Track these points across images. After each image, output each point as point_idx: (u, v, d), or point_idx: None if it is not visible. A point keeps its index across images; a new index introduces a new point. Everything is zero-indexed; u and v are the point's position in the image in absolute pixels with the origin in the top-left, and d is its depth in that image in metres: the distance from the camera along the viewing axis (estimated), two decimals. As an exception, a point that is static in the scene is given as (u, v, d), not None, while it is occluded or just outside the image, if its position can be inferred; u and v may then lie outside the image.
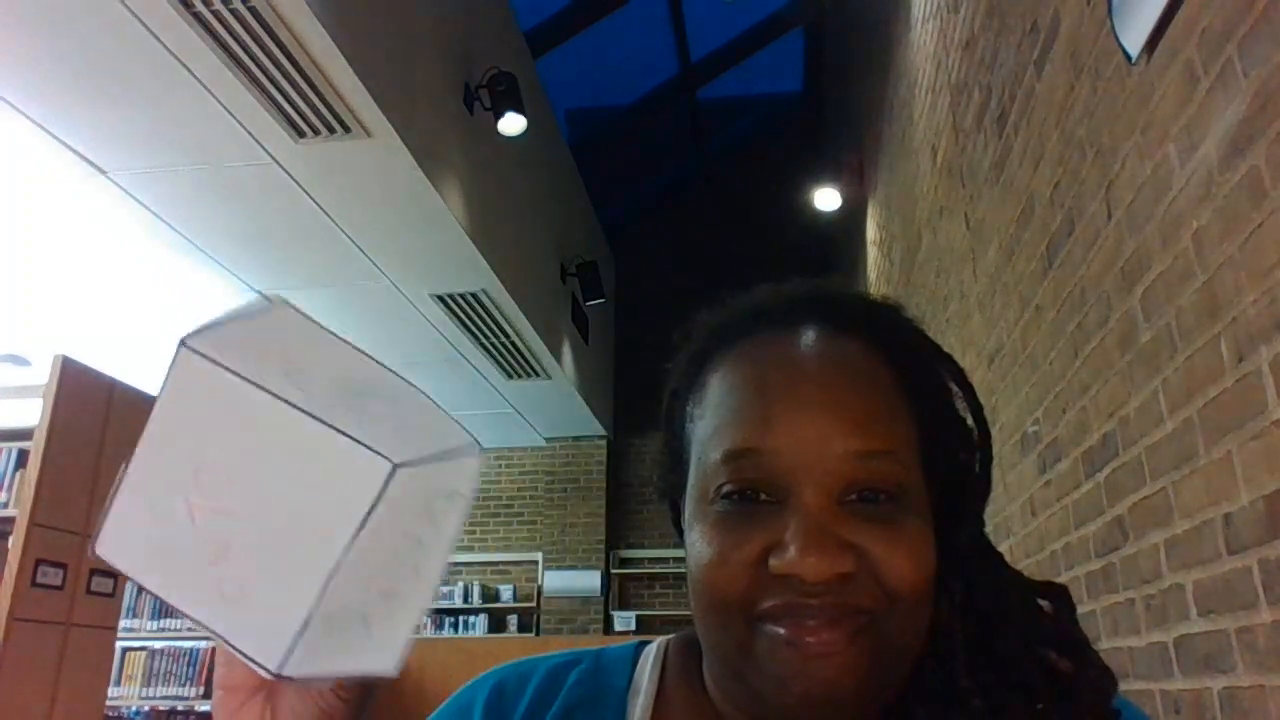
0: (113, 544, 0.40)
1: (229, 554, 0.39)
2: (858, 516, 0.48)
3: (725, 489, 0.50)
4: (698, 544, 0.50)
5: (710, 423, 0.53)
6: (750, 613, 0.48)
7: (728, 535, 0.49)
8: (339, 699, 0.46)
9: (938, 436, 0.53)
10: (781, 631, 0.47)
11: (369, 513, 0.38)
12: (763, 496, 0.49)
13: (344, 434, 0.38)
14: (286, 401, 0.38)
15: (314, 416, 0.38)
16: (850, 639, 0.47)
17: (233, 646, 0.39)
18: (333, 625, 0.40)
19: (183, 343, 0.39)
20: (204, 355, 0.39)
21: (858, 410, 0.50)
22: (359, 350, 0.42)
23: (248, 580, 0.39)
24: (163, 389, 0.40)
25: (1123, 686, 0.51)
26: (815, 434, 0.49)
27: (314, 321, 0.42)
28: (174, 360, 0.39)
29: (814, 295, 0.56)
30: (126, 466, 0.40)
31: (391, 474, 0.38)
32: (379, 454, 0.38)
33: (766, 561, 0.48)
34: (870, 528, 0.48)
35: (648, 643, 0.62)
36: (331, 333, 0.42)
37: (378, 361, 0.42)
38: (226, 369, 0.39)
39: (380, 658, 0.43)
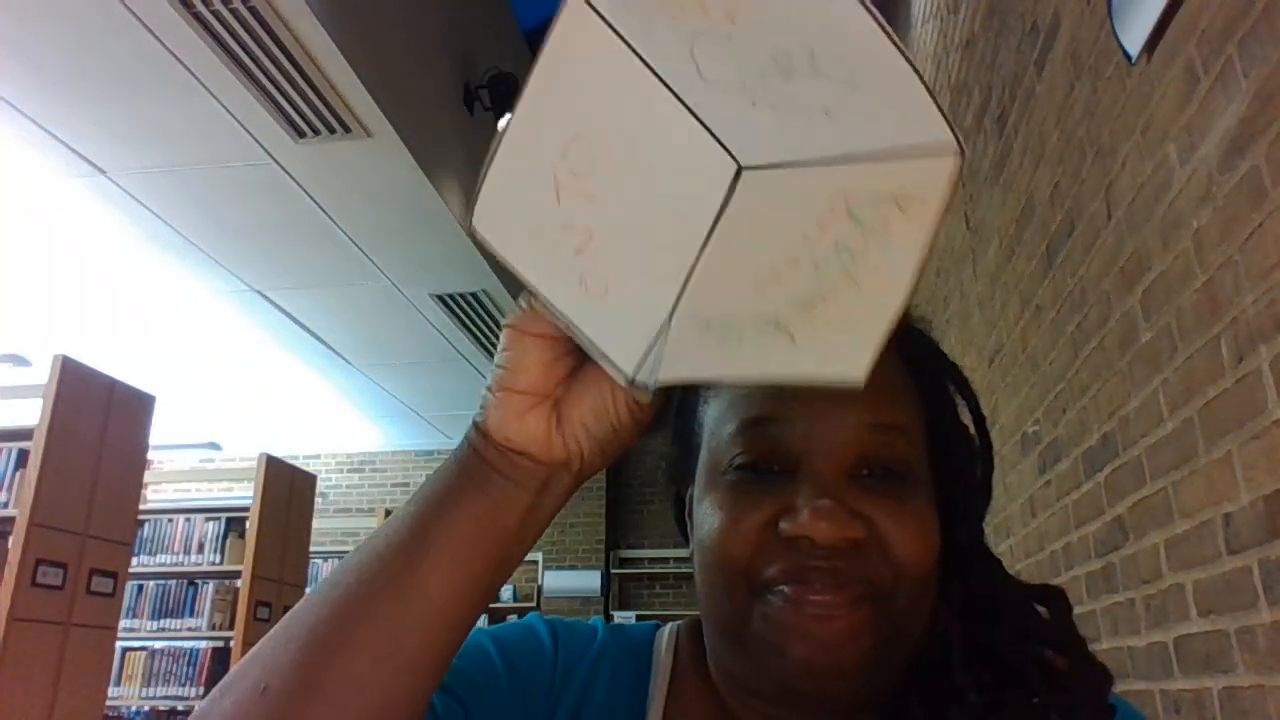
0: (489, 220, 0.36)
1: (591, 243, 0.36)
2: (868, 491, 0.49)
3: (738, 460, 0.51)
4: (708, 512, 0.51)
5: (723, 400, 0.54)
6: (756, 579, 0.49)
7: (739, 501, 0.50)
8: (633, 418, 0.44)
9: (942, 433, 0.54)
10: (785, 589, 0.48)
11: (718, 216, 0.35)
12: (775, 467, 0.50)
13: (700, 122, 0.34)
14: (658, 76, 0.34)
15: (679, 98, 0.34)
16: (853, 606, 0.47)
17: (595, 350, 0.37)
18: (723, 331, 0.36)
19: None
20: (596, 9, 0.35)
21: (870, 386, 0.51)
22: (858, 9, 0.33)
23: (609, 275, 0.36)
24: (546, 42, 0.35)
25: (1123, 686, 0.51)
26: (828, 405, 0.50)
27: None
28: (562, 8, 0.35)
29: None
30: (506, 126, 0.36)
31: (737, 176, 0.35)
32: (727, 151, 0.34)
33: (776, 527, 0.48)
34: (880, 502, 0.49)
35: (662, 625, 0.63)
36: None
37: (873, 21, 0.33)
38: (614, 30, 0.34)
39: (837, 363, 0.37)
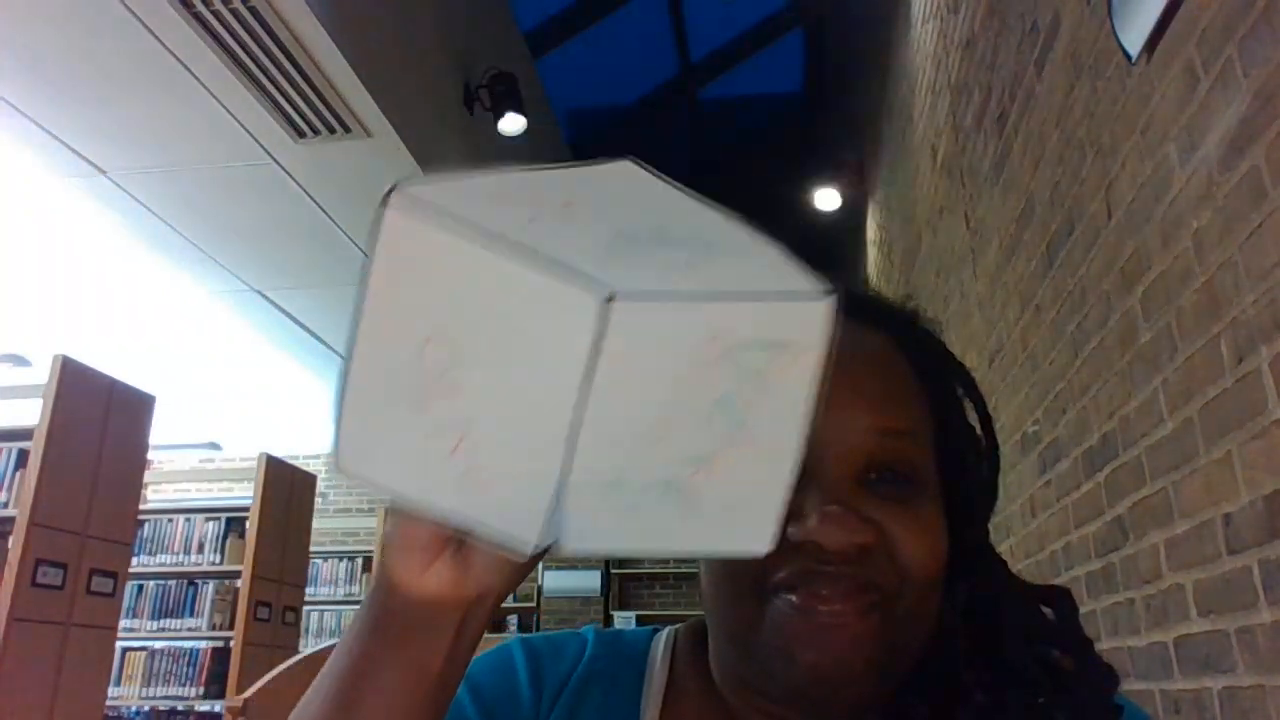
0: (353, 457, 0.35)
1: (466, 439, 0.35)
2: (877, 495, 0.49)
3: None
4: None
5: None
6: (764, 584, 0.48)
7: None
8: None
9: (950, 436, 0.54)
10: (793, 599, 0.48)
11: (591, 361, 0.33)
12: None
13: (549, 266, 0.33)
14: (494, 242, 0.33)
15: (518, 254, 0.33)
16: (862, 614, 0.47)
17: (491, 534, 0.35)
18: (618, 497, 0.35)
19: (385, 203, 0.33)
20: (406, 208, 0.33)
21: (879, 391, 0.52)
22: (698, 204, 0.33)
23: (491, 462, 0.35)
24: (372, 264, 0.34)
25: (1123, 686, 0.51)
26: (838, 410, 0.49)
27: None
28: (380, 227, 0.34)
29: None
30: (346, 365, 0.35)
31: (608, 305, 0.33)
32: (593, 279, 0.33)
33: (785, 532, 0.48)
34: (889, 507, 0.49)
35: (660, 628, 0.63)
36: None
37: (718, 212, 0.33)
38: (431, 220, 0.33)
39: (742, 536, 0.37)
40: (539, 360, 0.35)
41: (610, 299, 0.34)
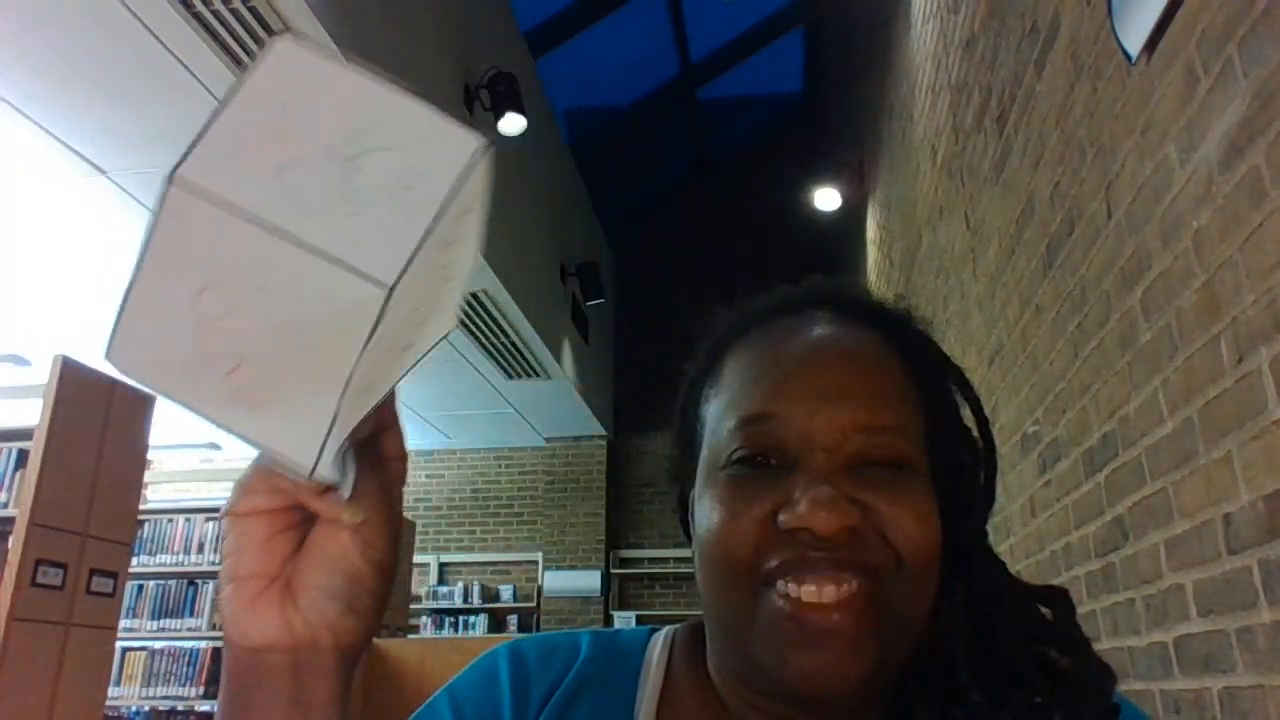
0: (124, 354, 0.37)
1: (244, 366, 0.37)
2: (867, 479, 0.49)
3: (737, 454, 0.51)
4: (708, 508, 0.51)
5: (724, 398, 0.54)
6: (757, 574, 0.49)
7: (738, 495, 0.50)
8: (368, 559, 0.40)
9: (944, 435, 0.54)
10: (784, 604, 0.48)
11: (371, 333, 0.36)
12: (773, 461, 0.50)
13: (335, 260, 0.36)
14: (273, 227, 0.36)
15: (302, 244, 0.36)
16: (856, 615, 0.47)
17: (265, 448, 0.37)
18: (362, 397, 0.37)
19: (169, 179, 0.37)
20: (188, 189, 0.37)
21: (869, 387, 0.52)
22: (357, 76, 0.38)
23: (266, 388, 0.37)
24: (151, 229, 0.37)
25: (1123, 686, 0.51)
26: (827, 404, 0.50)
27: (317, 57, 0.38)
28: (160, 200, 0.37)
29: (830, 289, 0.59)
30: (130, 283, 0.37)
31: (388, 297, 0.37)
32: (371, 278, 0.36)
33: (776, 520, 0.48)
34: (878, 488, 0.49)
35: (659, 628, 0.63)
36: (335, 64, 0.38)
37: (371, 77, 0.38)
38: (211, 200, 0.37)
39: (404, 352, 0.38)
40: (320, 325, 0.37)
41: (391, 290, 0.37)
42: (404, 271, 0.38)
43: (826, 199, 5.83)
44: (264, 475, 0.40)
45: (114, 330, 0.37)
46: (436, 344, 0.37)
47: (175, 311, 0.37)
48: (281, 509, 0.40)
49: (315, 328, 0.37)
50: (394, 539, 0.42)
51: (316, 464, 0.37)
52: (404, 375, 0.37)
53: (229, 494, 0.41)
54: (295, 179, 0.37)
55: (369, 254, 0.37)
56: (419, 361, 0.37)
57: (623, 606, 7.95)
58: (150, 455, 3.56)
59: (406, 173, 0.38)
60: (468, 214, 0.38)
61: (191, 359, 0.37)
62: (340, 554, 0.40)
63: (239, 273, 0.37)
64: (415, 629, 7.41)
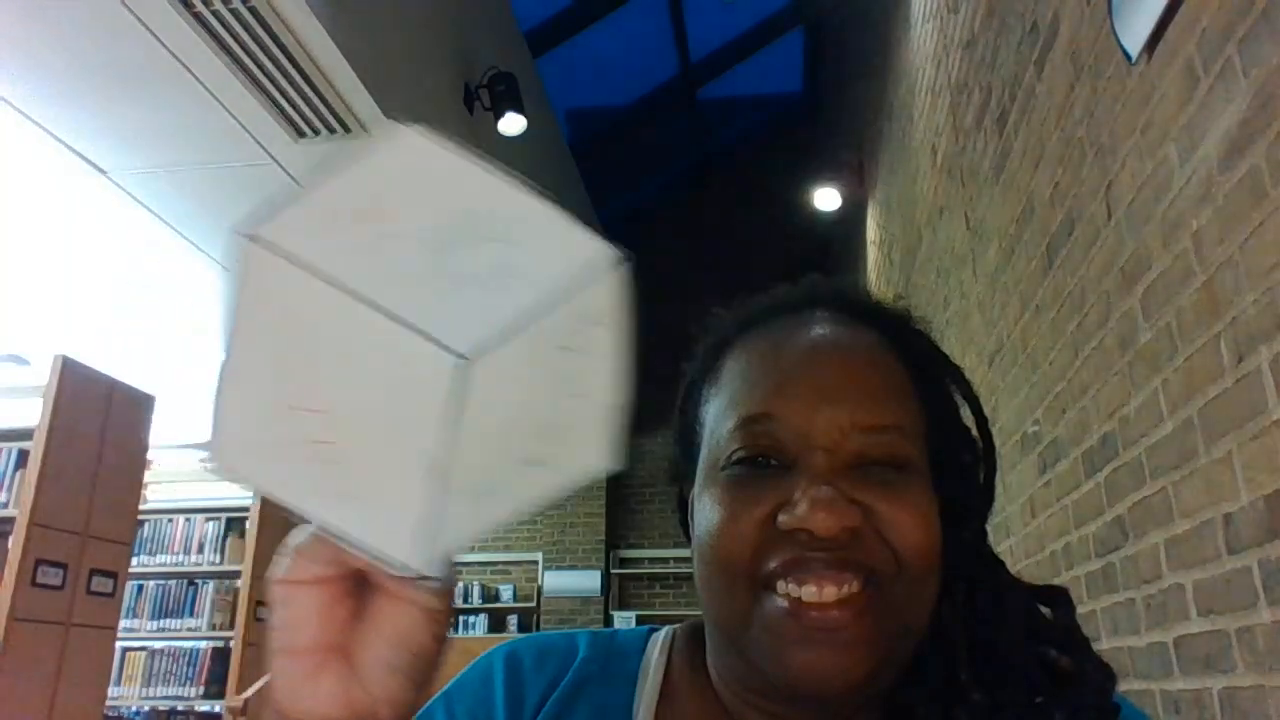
0: (226, 457, 0.36)
1: (334, 452, 0.36)
2: (866, 479, 0.49)
3: (736, 455, 0.51)
4: (707, 508, 0.51)
5: (724, 398, 0.54)
6: (756, 575, 0.49)
7: (738, 496, 0.50)
8: (432, 635, 0.38)
9: (943, 434, 0.54)
10: (784, 603, 0.48)
11: (449, 407, 0.35)
12: (772, 462, 0.50)
13: (407, 325, 0.35)
14: (347, 288, 0.35)
15: (375, 305, 0.34)
16: (855, 616, 0.47)
17: (368, 547, 0.35)
18: (484, 489, 0.36)
19: (240, 232, 0.36)
20: (262, 242, 0.36)
21: (868, 388, 0.52)
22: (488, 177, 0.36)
23: (355, 476, 0.36)
24: (236, 288, 0.37)
25: (1123, 686, 0.51)
26: (826, 404, 0.50)
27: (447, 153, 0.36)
28: (239, 255, 0.36)
29: (829, 289, 0.59)
30: (223, 365, 0.36)
31: (461, 367, 0.35)
32: (447, 347, 0.34)
33: (775, 521, 0.48)
34: (878, 488, 0.49)
35: (658, 628, 0.63)
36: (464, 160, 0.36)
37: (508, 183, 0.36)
38: (284, 255, 0.35)
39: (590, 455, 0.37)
40: (399, 398, 0.36)
41: (462, 359, 0.36)
42: (488, 350, 0.36)
43: (826, 199, 5.82)
44: (325, 544, 0.38)
45: (214, 428, 0.36)
46: (580, 480, 0.35)
47: (263, 390, 0.36)
48: (338, 577, 0.38)
49: (398, 401, 0.36)
50: (451, 608, 0.40)
51: (413, 561, 0.35)
52: (534, 498, 0.36)
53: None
54: (384, 250, 0.36)
55: (451, 328, 0.36)
56: (556, 490, 0.36)
57: (623, 606, 7.95)
58: (150, 455, 3.56)
59: (511, 266, 0.36)
60: (595, 326, 0.36)
61: (287, 448, 0.36)
62: (409, 631, 0.38)
63: (321, 335, 0.36)
64: (415, 629, 7.40)
